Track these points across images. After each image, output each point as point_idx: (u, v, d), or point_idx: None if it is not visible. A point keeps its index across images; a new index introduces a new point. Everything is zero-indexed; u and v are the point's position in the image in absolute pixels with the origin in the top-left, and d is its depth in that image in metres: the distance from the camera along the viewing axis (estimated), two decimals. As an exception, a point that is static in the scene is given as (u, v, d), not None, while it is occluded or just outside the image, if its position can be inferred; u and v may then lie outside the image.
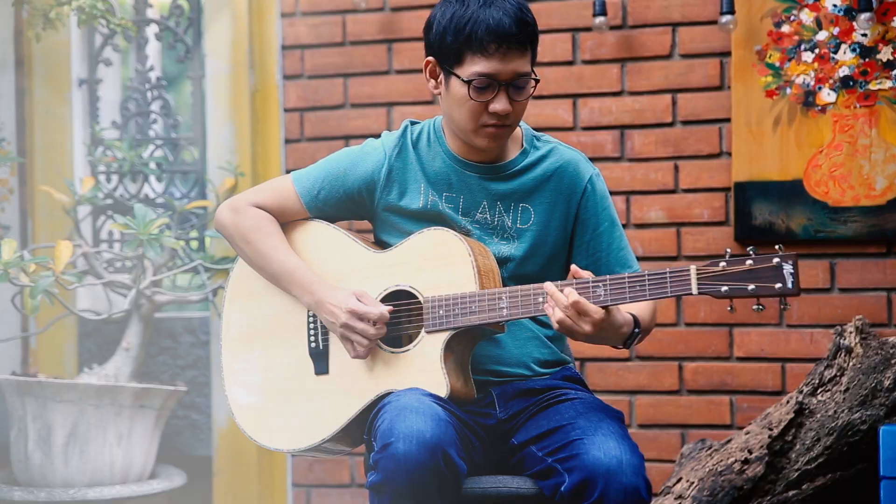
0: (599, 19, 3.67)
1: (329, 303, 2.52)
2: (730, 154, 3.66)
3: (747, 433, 3.39)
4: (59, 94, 4.12)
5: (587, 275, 2.36)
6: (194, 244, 4.06)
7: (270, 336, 2.63)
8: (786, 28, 3.56)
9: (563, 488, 2.30)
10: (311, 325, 2.60)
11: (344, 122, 3.98)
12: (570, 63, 3.78)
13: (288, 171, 3.98)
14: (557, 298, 2.32)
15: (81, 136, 4.18)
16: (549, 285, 2.35)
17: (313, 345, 2.58)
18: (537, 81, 2.50)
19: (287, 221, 2.67)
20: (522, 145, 2.62)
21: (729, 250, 2.29)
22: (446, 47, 2.47)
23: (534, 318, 2.57)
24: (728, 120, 3.66)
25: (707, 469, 3.38)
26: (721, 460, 3.38)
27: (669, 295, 2.28)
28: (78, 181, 4.07)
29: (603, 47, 3.76)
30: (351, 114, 3.98)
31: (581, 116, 3.78)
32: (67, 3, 3.54)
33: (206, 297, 3.77)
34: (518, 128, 2.63)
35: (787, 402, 3.36)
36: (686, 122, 3.71)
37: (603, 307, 2.32)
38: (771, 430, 3.34)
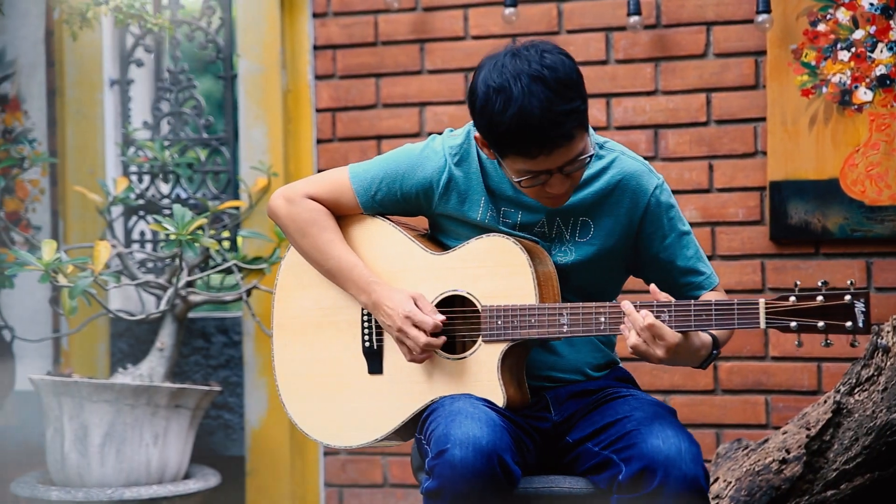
0: (634, 18, 3.67)
1: (386, 305, 2.50)
2: (765, 153, 3.65)
3: (784, 433, 3.38)
4: (90, 95, 4.13)
5: (665, 297, 2.32)
6: (226, 244, 4.07)
7: (322, 329, 2.62)
8: (822, 27, 3.55)
9: (620, 477, 2.27)
10: (366, 324, 2.58)
11: (376, 122, 3.98)
12: (603, 62, 3.78)
13: (320, 171, 4.00)
14: (634, 319, 2.28)
15: (113, 137, 4.18)
16: (626, 304, 2.31)
17: (367, 344, 2.57)
18: (592, 155, 2.39)
19: (340, 215, 2.64)
20: None
21: (798, 282, 2.27)
22: (491, 139, 2.37)
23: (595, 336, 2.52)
24: (763, 119, 3.65)
25: (744, 469, 3.38)
26: (758, 460, 3.37)
27: (735, 327, 2.26)
28: (111, 181, 4.07)
29: (637, 46, 3.75)
30: (383, 114, 3.98)
31: (615, 116, 3.78)
32: (105, 3, 3.54)
33: (241, 296, 3.77)
34: None
35: (825, 401, 3.35)
36: (720, 122, 3.70)
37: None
38: (809, 429, 3.33)
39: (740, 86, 3.68)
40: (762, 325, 2.25)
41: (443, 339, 2.46)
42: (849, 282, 2.24)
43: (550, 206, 2.46)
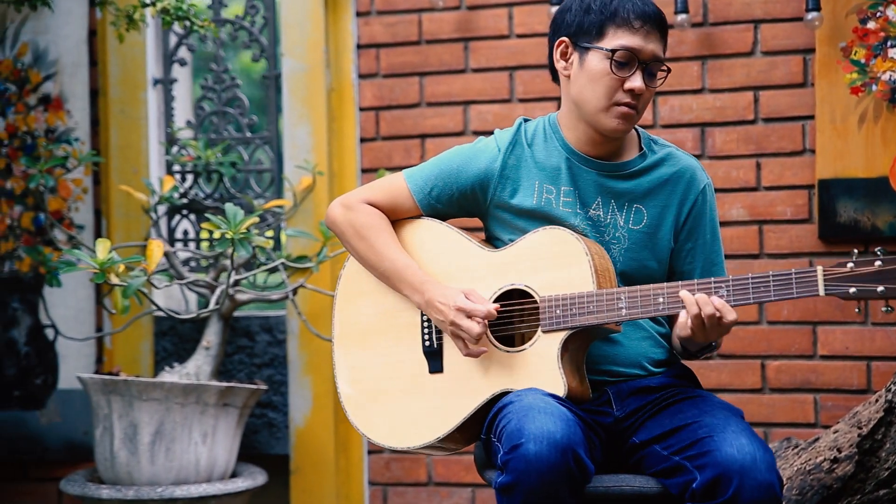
0: (681, 16, 3.66)
1: (438, 301, 2.52)
2: (813, 151, 3.64)
3: (835, 432, 3.37)
4: (133, 94, 4.13)
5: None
6: (270, 243, 4.07)
7: (383, 334, 2.64)
8: (871, 24, 3.54)
9: (694, 485, 2.28)
10: (425, 325, 2.60)
11: (420, 121, 3.99)
12: (650, 61, 3.77)
13: (364, 171, 4.01)
14: (701, 300, 2.34)
15: (156, 136, 4.19)
16: (685, 293, 2.37)
17: (427, 343, 2.58)
18: (668, 71, 2.53)
19: (398, 219, 2.67)
20: (641, 148, 2.62)
21: (856, 251, 2.28)
22: (588, 22, 2.51)
23: (652, 319, 2.56)
24: (811, 117, 3.64)
25: (795, 468, 3.37)
26: (809, 459, 3.36)
27: (795, 296, 2.27)
28: (156, 180, 4.08)
29: (683, 45, 3.75)
30: (427, 112, 3.98)
31: (661, 114, 3.77)
32: (152, 5, 3.55)
33: (287, 295, 3.77)
34: (633, 130, 2.64)
35: (876, 400, 3.34)
36: (768, 120, 3.69)
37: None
38: (860, 428, 3.32)
39: (788, 84, 3.67)
40: (821, 291, 2.27)
41: (485, 336, 2.52)
42: None
43: (615, 129, 2.52)
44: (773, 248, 3.68)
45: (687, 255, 2.62)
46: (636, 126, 2.62)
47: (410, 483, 4.00)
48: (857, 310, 2.30)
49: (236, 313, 4.05)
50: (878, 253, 2.24)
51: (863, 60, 3.56)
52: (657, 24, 2.51)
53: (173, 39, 4.19)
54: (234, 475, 3.76)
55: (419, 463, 3.99)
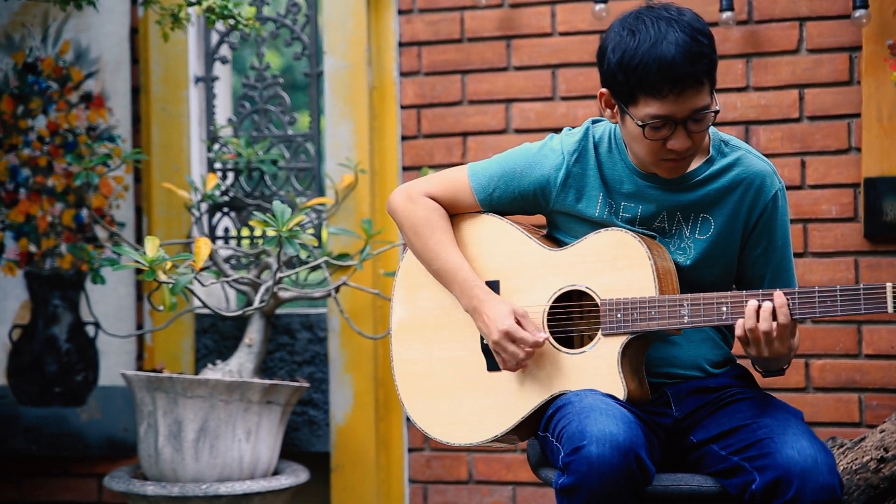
0: (726, 14, 3.65)
1: (486, 314, 2.51)
2: (859, 149, 3.63)
3: (882, 431, 3.35)
4: (175, 92, 4.15)
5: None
6: (315, 241, 4.08)
7: (442, 329, 2.63)
8: (920, 22, 3.53)
9: (754, 486, 2.28)
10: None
11: (461, 119, 3.98)
12: (694, 59, 3.75)
13: (405, 169, 4.01)
14: (763, 312, 2.31)
15: (198, 134, 4.20)
16: (753, 303, 2.33)
17: (486, 341, 2.58)
18: (717, 113, 2.41)
19: (458, 213, 2.66)
20: (709, 152, 2.54)
21: None
22: (618, 85, 2.40)
23: (715, 327, 2.54)
24: (857, 115, 3.62)
25: (841, 467, 3.35)
26: (855, 458, 3.34)
27: (862, 312, 2.25)
28: (198, 178, 4.09)
29: (728, 42, 3.73)
30: (469, 110, 3.98)
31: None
32: (197, 3, 3.56)
33: (329, 293, 3.78)
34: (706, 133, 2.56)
35: (923, 399, 3.33)
36: (813, 118, 3.68)
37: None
38: (907, 428, 3.31)
39: (834, 81, 3.65)
40: (890, 308, 2.25)
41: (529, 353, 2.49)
42: None
43: (669, 175, 2.47)
44: (817, 247, 3.67)
45: (755, 262, 2.56)
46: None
47: (451, 481, 4.00)
48: None
49: (277, 311, 4.05)
50: None
51: (910, 58, 3.54)
52: (691, 80, 2.33)
53: (215, 37, 4.20)
54: (276, 473, 3.77)
55: (460, 461, 3.99)
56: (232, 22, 3.63)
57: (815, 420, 3.69)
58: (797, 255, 3.68)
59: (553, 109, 3.89)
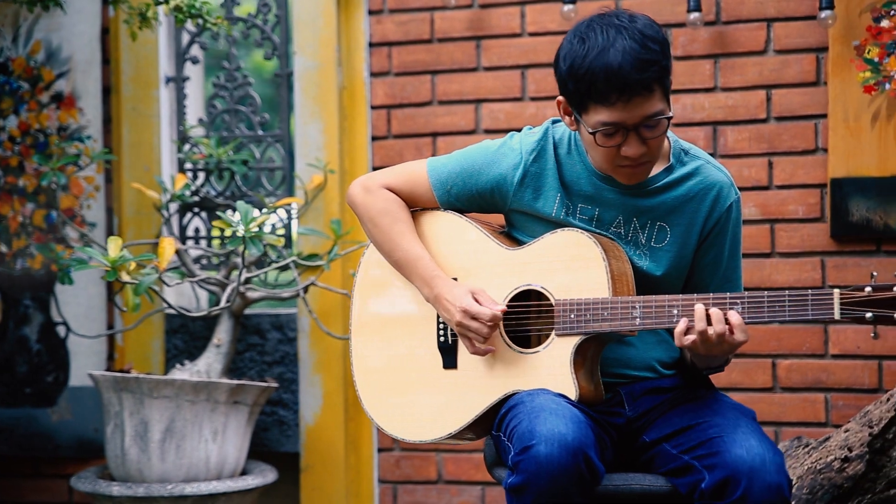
0: (694, 15, 3.66)
1: (445, 299, 2.52)
2: (825, 150, 3.63)
3: (846, 431, 3.36)
4: (146, 92, 4.14)
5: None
6: (282, 241, 4.07)
7: (400, 326, 2.64)
8: (885, 23, 3.53)
9: (703, 485, 2.28)
10: (441, 319, 2.60)
11: (431, 120, 3.98)
12: (662, 59, 3.76)
13: (374, 169, 4.01)
14: (714, 315, 2.31)
15: (168, 134, 4.19)
16: (700, 307, 2.33)
17: (442, 339, 2.58)
18: (671, 118, 2.40)
19: (416, 207, 2.66)
20: (669, 160, 2.54)
21: (875, 273, 2.26)
22: (570, 94, 2.41)
23: (667, 330, 2.54)
24: (823, 116, 3.63)
25: (806, 467, 3.36)
26: (820, 458, 3.35)
27: (809, 318, 2.25)
28: (168, 178, 4.09)
29: (696, 43, 3.74)
30: (438, 111, 3.98)
31: (673, 113, 3.76)
32: (165, 2, 3.56)
33: (298, 293, 3.77)
34: (666, 139, 2.54)
35: (887, 399, 3.33)
36: (780, 118, 3.69)
37: None
38: (871, 427, 3.31)
39: (801, 82, 3.66)
40: (837, 315, 2.25)
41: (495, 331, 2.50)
42: None
43: (628, 182, 2.47)
44: (784, 248, 3.67)
45: (704, 269, 2.57)
46: (669, 134, 2.54)
47: (420, 481, 4.00)
48: (872, 335, 2.27)
49: (247, 311, 4.05)
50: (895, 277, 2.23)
51: (876, 59, 3.54)
52: (640, 88, 2.32)
53: (185, 37, 4.20)
54: (244, 473, 3.77)
55: (429, 461, 3.99)
56: (200, 21, 3.62)
57: (782, 420, 3.70)
58: (764, 256, 3.69)
59: (522, 110, 3.90)
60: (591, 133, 2.39)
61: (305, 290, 3.79)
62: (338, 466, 3.98)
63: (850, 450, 3.32)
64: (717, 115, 3.73)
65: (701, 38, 3.74)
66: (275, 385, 3.77)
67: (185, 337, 4.14)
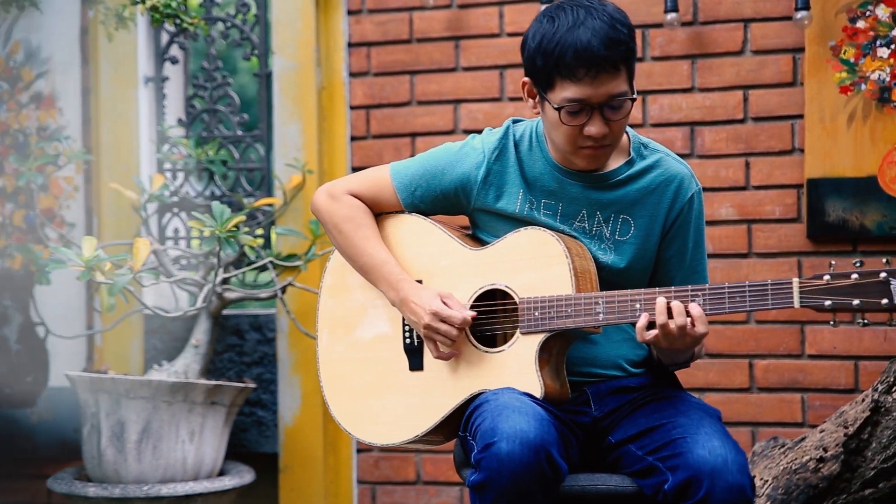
0: (671, 15, 3.66)
1: (413, 302, 2.52)
2: (802, 150, 3.64)
3: (822, 431, 3.36)
4: (125, 92, 4.13)
5: None
6: (260, 241, 4.07)
7: (366, 329, 2.64)
8: (861, 23, 3.54)
9: (666, 486, 2.29)
10: (406, 321, 2.60)
11: (410, 120, 3.98)
12: (640, 60, 3.76)
13: (354, 170, 4.01)
14: (675, 308, 2.31)
15: (148, 134, 4.19)
16: (662, 300, 2.34)
17: (408, 341, 2.59)
18: (634, 100, 2.44)
19: (382, 212, 2.67)
20: (629, 154, 2.56)
21: (833, 262, 2.27)
22: (537, 71, 2.44)
23: (631, 324, 2.55)
24: (800, 116, 3.64)
25: (781, 467, 3.36)
26: (795, 458, 3.36)
27: (770, 307, 2.26)
28: (146, 178, 4.09)
29: (673, 44, 3.74)
30: (417, 111, 3.98)
31: (651, 113, 3.77)
32: (141, 2, 3.55)
33: (275, 294, 3.77)
34: (625, 134, 2.57)
35: (863, 400, 3.33)
36: (757, 119, 3.69)
37: None
38: (846, 428, 3.32)
39: (778, 83, 3.66)
40: (796, 304, 2.27)
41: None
42: (884, 259, 2.24)
43: (587, 166, 2.49)
44: (761, 248, 3.68)
45: (668, 262, 2.58)
46: (628, 129, 2.57)
47: (399, 482, 4.00)
48: (831, 322, 2.29)
49: (226, 311, 4.05)
50: (855, 266, 2.23)
51: (852, 59, 3.55)
52: (607, 65, 2.37)
53: (165, 38, 4.19)
54: (222, 473, 3.76)
55: (408, 461, 3.99)
56: (177, 21, 3.62)
57: (759, 420, 3.70)
58: (742, 256, 3.69)
59: (501, 110, 3.90)
60: (556, 109, 2.41)
61: (283, 290, 3.79)
62: (316, 467, 3.98)
63: (825, 450, 3.32)
64: (695, 115, 3.73)
65: (678, 39, 3.74)
66: (252, 386, 3.77)
67: (165, 338, 4.13)
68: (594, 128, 2.41)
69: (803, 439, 3.40)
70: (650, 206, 2.54)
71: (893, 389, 3.30)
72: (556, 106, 2.41)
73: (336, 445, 4.03)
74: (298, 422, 3.99)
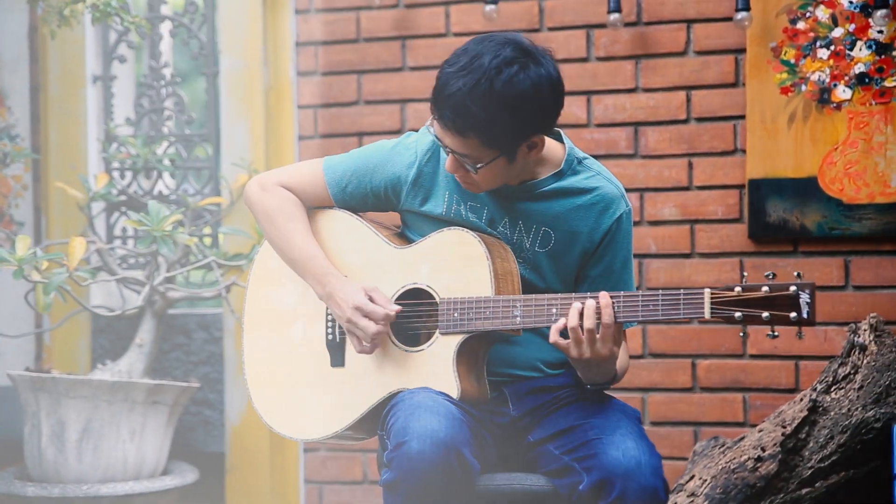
0: (614, 16, 3.66)
1: (338, 296, 2.52)
2: (744, 151, 3.65)
3: (760, 431, 3.38)
4: (73, 91, 4.13)
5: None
6: (208, 241, 4.06)
7: (290, 323, 2.64)
8: (801, 25, 3.55)
9: (580, 487, 2.29)
10: (330, 317, 2.60)
11: (357, 119, 3.98)
12: (584, 60, 3.77)
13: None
14: (587, 310, 2.31)
15: (95, 133, 4.18)
16: (577, 304, 2.34)
17: (330, 337, 2.59)
18: (479, 168, 2.39)
19: (313, 206, 2.66)
20: (560, 166, 2.53)
21: (746, 274, 2.29)
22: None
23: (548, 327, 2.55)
24: (742, 117, 3.65)
25: (720, 467, 3.37)
26: (734, 458, 3.37)
27: (682, 316, 2.27)
28: (92, 178, 4.08)
29: (617, 44, 3.75)
30: (364, 110, 3.98)
31: (595, 113, 3.77)
32: (82, 1, 3.54)
33: (220, 293, 3.77)
34: (561, 145, 2.55)
35: (801, 399, 3.35)
36: (700, 119, 3.70)
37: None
38: (784, 427, 3.33)
39: (720, 83, 3.67)
40: (707, 314, 2.27)
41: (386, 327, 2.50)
42: (795, 273, 2.27)
43: (465, 188, 2.49)
44: (704, 248, 3.69)
45: (593, 281, 2.55)
46: (567, 142, 2.55)
47: (346, 481, 4.00)
48: (741, 334, 2.31)
49: (174, 311, 4.04)
50: (767, 278, 2.25)
51: (792, 60, 3.56)
52: (451, 126, 2.35)
53: (113, 36, 4.18)
54: (165, 473, 3.75)
55: (354, 461, 3.99)
56: (117, 19, 3.61)
57: (701, 420, 3.72)
58: (684, 256, 3.70)
59: (447, 110, 3.89)
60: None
61: (228, 289, 3.78)
62: (263, 466, 3.98)
63: (763, 449, 3.33)
64: (639, 115, 3.74)
65: (622, 39, 3.74)
66: (196, 385, 3.76)
67: (112, 337, 4.12)
68: (448, 163, 2.44)
69: (742, 439, 3.41)
70: (574, 222, 2.51)
71: (832, 389, 3.31)
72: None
73: (283, 445, 4.03)
74: (245, 421, 3.98)
